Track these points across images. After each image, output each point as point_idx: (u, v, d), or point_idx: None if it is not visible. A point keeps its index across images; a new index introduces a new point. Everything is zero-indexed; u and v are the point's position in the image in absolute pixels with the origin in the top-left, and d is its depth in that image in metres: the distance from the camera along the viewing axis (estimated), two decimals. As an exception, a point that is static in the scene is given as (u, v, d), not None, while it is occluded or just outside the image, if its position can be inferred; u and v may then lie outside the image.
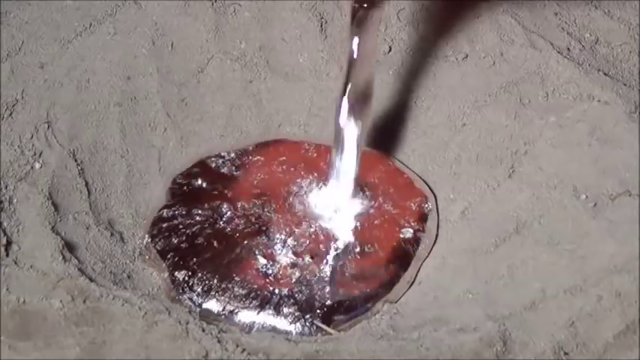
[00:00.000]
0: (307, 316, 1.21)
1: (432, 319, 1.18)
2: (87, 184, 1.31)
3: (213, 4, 1.46)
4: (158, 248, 1.28)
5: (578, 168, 1.27)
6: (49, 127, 1.33)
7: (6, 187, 1.24)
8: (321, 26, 1.45)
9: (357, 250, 1.28)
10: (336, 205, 1.32)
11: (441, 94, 1.41)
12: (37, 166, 1.29)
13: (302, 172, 1.37)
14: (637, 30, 1.43)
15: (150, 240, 1.29)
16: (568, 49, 1.41)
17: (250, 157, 1.38)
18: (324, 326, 1.19)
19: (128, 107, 1.39)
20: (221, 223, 1.31)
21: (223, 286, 1.24)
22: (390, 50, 1.44)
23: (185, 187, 1.35)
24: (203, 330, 1.12)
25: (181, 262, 1.26)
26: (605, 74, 1.36)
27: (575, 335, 1.10)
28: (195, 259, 1.27)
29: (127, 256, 1.28)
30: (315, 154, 1.39)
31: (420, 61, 1.44)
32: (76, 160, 1.32)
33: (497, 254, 1.24)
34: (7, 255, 1.16)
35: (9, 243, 1.18)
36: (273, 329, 1.20)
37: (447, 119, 1.39)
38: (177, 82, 1.43)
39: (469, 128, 1.37)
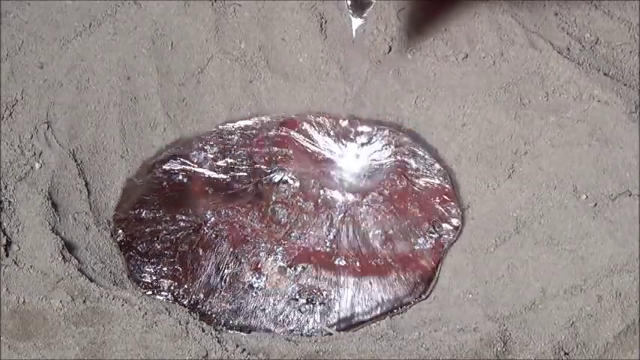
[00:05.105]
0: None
1: (432, 319, 1.18)
2: (87, 184, 1.31)
3: (213, 4, 1.46)
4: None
5: (578, 168, 1.27)
6: (48, 127, 1.33)
7: (6, 187, 1.24)
8: (321, 26, 1.45)
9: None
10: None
11: (440, 94, 1.41)
12: (37, 166, 1.29)
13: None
14: (637, 30, 1.43)
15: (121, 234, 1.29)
16: (568, 49, 1.41)
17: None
18: (323, 326, 1.19)
19: (128, 107, 1.39)
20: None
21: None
22: (390, 50, 1.44)
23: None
24: (203, 330, 1.12)
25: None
26: (605, 74, 1.36)
27: (575, 335, 1.10)
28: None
29: (127, 256, 1.28)
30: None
31: (420, 61, 1.44)
32: (75, 160, 1.32)
33: (497, 254, 1.24)
34: (7, 255, 1.16)
35: (9, 243, 1.18)
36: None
37: (447, 119, 1.39)
38: (177, 82, 1.43)
39: (469, 128, 1.37)
